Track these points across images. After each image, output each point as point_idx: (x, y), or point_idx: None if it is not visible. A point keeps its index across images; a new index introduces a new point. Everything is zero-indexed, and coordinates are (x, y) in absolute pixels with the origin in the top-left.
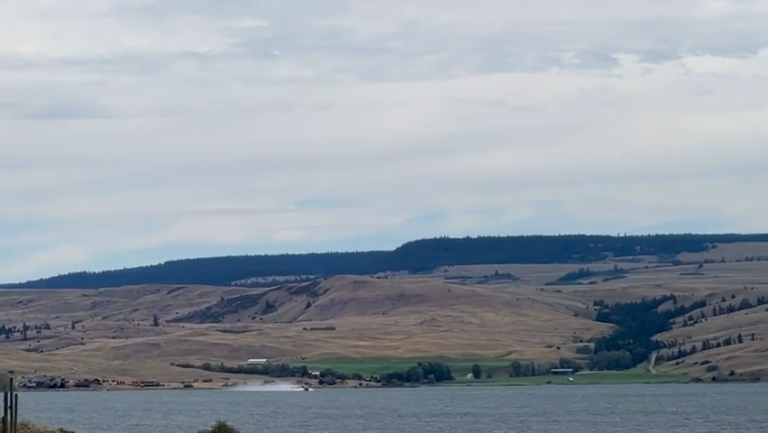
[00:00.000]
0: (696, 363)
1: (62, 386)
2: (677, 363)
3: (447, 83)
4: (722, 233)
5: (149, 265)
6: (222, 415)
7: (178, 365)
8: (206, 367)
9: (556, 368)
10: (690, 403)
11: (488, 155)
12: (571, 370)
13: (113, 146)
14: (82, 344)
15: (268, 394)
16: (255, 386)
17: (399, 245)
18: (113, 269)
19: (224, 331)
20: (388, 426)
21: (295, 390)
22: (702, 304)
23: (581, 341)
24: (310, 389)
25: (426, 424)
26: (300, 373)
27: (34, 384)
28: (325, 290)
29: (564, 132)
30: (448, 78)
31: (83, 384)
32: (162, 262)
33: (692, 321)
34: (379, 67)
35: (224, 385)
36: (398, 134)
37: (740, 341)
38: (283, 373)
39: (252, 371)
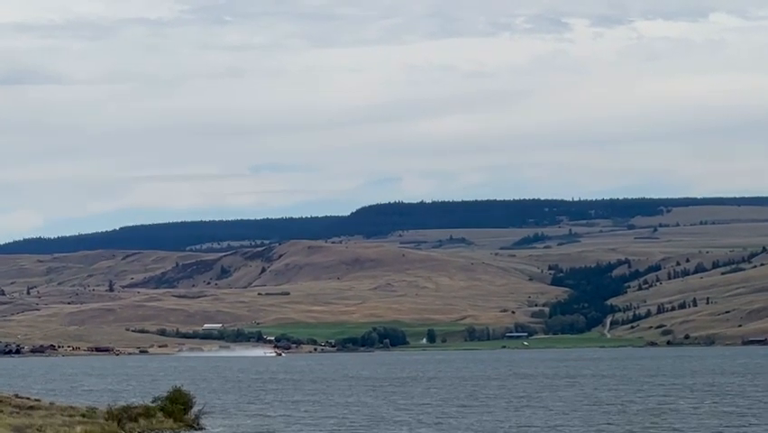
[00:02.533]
0: (651, 327)
1: (17, 352)
2: (632, 327)
3: (399, 48)
4: (676, 197)
5: (104, 231)
6: (177, 380)
7: (133, 331)
8: (162, 333)
9: (511, 333)
10: (639, 366)
11: (441, 120)
12: (525, 334)
13: (66, 112)
14: (37, 310)
15: (240, 360)
16: (227, 352)
17: (354, 210)
18: (68, 235)
19: (180, 297)
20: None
21: (267, 355)
22: (657, 268)
23: (536, 305)
24: (283, 354)
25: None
26: (255, 339)
27: None
28: (280, 256)
29: (517, 97)
30: (400, 43)
31: (38, 350)
32: (117, 228)
33: (647, 285)
34: (331, 32)
35: (191, 349)
36: (351, 100)
37: (695, 305)
38: (238, 338)
39: (208, 336)
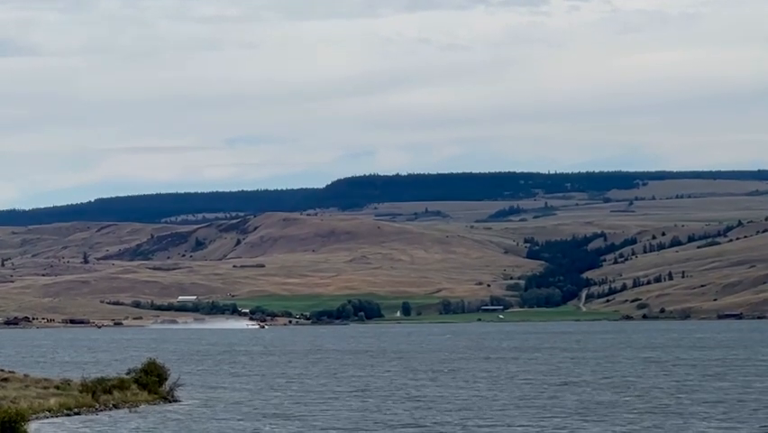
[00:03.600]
0: (626, 300)
1: None
2: (607, 301)
3: (374, 21)
4: (652, 170)
5: (79, 203)
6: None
7: (108, 303)
8: (137, 305)
9: (486, 306)
10: (612, 340)
11: (415, 93)
12: (501, 307)
13: (41, 83)
14: (11, 282)
15: (223, 333)
16: (209, 324)
17: (329, 183)
18: (42, 206)
19: (154, 269)
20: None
21: (250, 327)
22: (633, 241)
23: (512, 278)
24: (266, 326)
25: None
26: (230, 311)
27: None
28: (255, 228)
29: (492, 70)
30: (375, 16)
31: (12, 322)
32: (92, 200)
33: (623, 259)
34: (306, 5)
35: (164, 322)
36: (326, 72)
37: (670, 278)
38: (213, 310)
39: (182, 309)
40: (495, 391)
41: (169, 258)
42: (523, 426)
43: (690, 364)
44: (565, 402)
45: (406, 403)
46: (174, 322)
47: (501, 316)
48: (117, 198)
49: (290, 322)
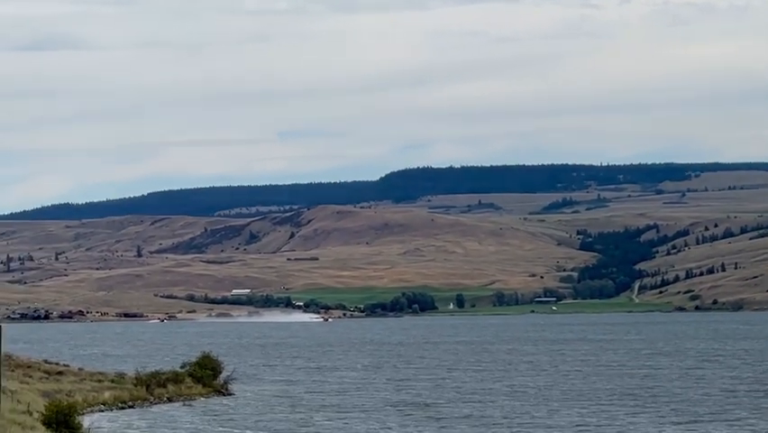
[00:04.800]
0: (679, 291)
1: (46, 318)
2: (660, 292)
3: (424, 13)
4: (704, 161)
5: (132, 196)
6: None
7: (161, 296)
8: (190, 298)
9: (540, 297)
10: (661, 330)
11: (467, 86)
12: (554, 299)
13: (92, 78)
14: (65, 275)
15: (285, 325)
16: (272, 316)
17: (382, 175)
18: (96, 200)
19: (208, 262)
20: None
21: (314, 320)
22: (685, 233)
23: (565, 270)
24: (330, 319)
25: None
26: (284, 304)
27: (18, 316)
28: (309, 221)
29: (544, 62)
30: (425, 8)
31: (67, 316)
32: (146, 194)
33: (675, 250)
34: None
35: (218, 315)
36: (377, 65)
37: (723, 270)
38: (267, 303)
39: (236, 302)
40: None
41: (222, 251)
42: None
43: None
44: None
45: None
46: (228, 315)
47: (554, 307)
48: (170, 191)
49: (344, 315)
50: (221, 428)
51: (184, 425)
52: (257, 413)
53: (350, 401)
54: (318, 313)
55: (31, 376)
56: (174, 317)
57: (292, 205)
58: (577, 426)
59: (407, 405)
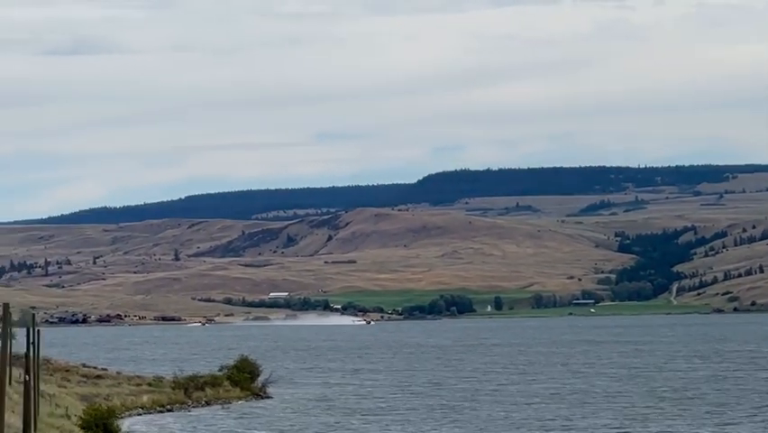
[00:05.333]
0: (717, 293)
1: (84, 321)
2: (698, 294)
3: (459, 16)
4: (742, 163)
5: (169, 200)
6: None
7: (199, 300)
8: (228, 301)
9: (578, 300)
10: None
11: (503, 88)
12: (592, 301)
13: (128, 82)
14: (103, 279)
15: (329, 328)
16: (313, 319)
17: (420, 178)
18: (133, 204)
19: (246, 265)
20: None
21: (356, 323)
22: (723, 234)
23: (603, 272)
24: (372, 322)
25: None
26: (322, 307)
27: (56, 320)
28: (346, 223)
29: (579, 64)
30: (459, 11)
31: (104, 320)
32: (182, 197)
33: (713, 252)
34: (391, 0)
35: (262, 318)
36: (412, 68)
37: (761, 271)
38: (305, 306)
39: (274, 305)
40: None
41: (260, 254)
42: None
43: None
44: None
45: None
46: (265, 319)
47: (593, 310)
48: (207, 194)
49: (382, 318)
50: (257, 432)
51: (221, 428)
52: (294, 416)
53: (387, 404)
54: (357, 316)
55: (69, 380)
56: (212, 320)
57: (329, 208)
58: (611, 428)
59: (444, 408)
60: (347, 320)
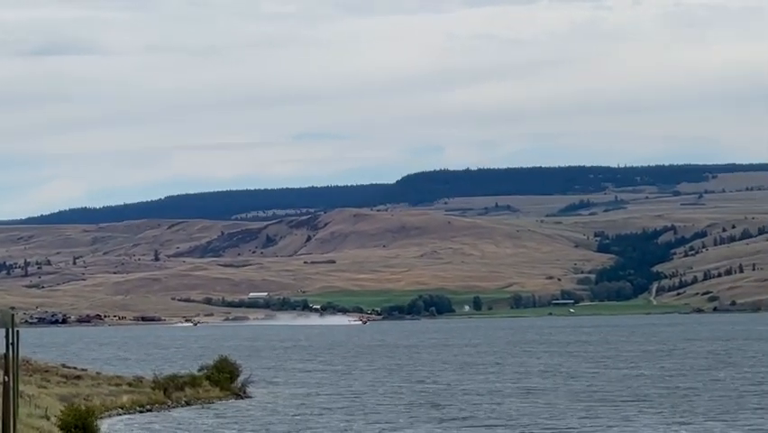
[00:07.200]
0: (697, 293)
1: (64, 322)
2: (678, 294)
3: (439, 16)
4: (721, 163)
5: (149, 201)
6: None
7: (179, 300)
8: (208, 301)
9: (557, 300)
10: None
11: (482, 88)
12: (572, 301)
13: (108, 82)
14: (83, 279)
15: (321, 328)
16: (309, 320)
17: (399, 178)
18: (113, 204)
19: (225, 265)
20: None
21: (352, 323)
22: (703, 234)
23: (582, 272)
24: (368, 322)
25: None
26: (301, 307)
27: (36, 320)
28: (326, 224)
29: (557, 64)
30: (439, 11)
31: (84, 320)
32: (162, 198)
33: (693, 251)
34: (368, 1)
35: (235, 319)
36: (391, 68)
37: (741, 271)
38: (284, 307)
39: (254, 305)
40: None
41: (239, 255)
42: None
43: None
44: None
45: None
46: (245, 318)
47: (572, 310)
48: (187, 195)
49: (361, 318)
50: (235, 432)
51: (200, 428)
52: (270, 416)
53: (364, 403)
54: (353, 316)
55: (48, 381)
56: (191, 321)
57: (308, 208)
58: (583, 427)
59: (417, 406)
60: (344, 320)
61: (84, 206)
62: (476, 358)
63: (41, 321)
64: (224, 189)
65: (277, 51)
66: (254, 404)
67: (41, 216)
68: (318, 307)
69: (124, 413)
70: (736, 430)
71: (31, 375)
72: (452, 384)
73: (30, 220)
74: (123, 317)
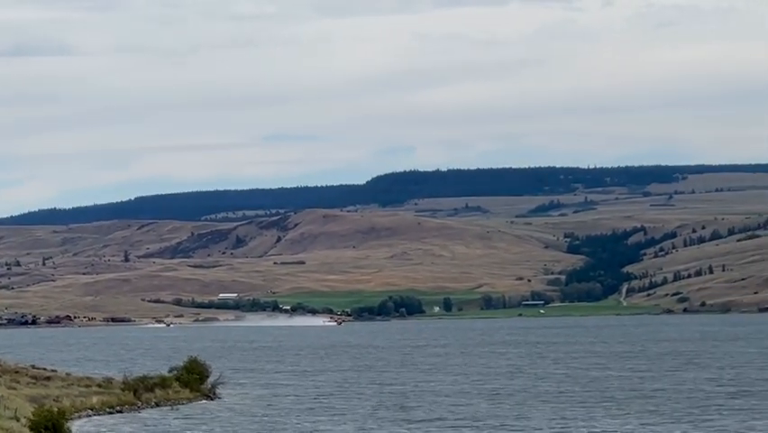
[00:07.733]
0: (667, 294)
1: (33, 323)
2: (648, 295)
3: (409, 17)
4: (691, 164)
5: (118, 201)
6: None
7: (149, 301)
8: (178, 302)
9: (527, 301)
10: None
11: (453, 89)
12: (542, 302)
13: (76, 83)
14: (53, 280)
15: (297, 329)
16: (279, 320)
17: (369, 179)
18: (82, 205)
19: (195, 266)
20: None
21: (327, 324)
22: (673, 235)
23: (552, 273)
24: (343, 324)
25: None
26: (271, 308)
27: (5, 321)
28: (295, 225)
29: (528, 65)
30: (410, 12)
31: (54, 321)
32: (132, 198)
33: (663, 252)
34: (342, 1)
35: (206, 320)
36: (363, 69)
37: (711, 272)
38: (254, 307)
39: (223, 306)
40: None
41: (209, 255)
42: None
43: None
44: None
45: None
46: (215, 319)
47: (542, 311)
48: (157, 196)
49: (331, 319)
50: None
51: (169, 429)
52: (238, 417)
53: (331, 404)
54: (331, 317)
55: (18, 381)
56: (164, 322)
57: (278, 209)
58: (551, 428)
59: (386, 408)
60: (318, 321)
61: (54, 206)
62: (445, 359)
63: (11, 322)
64: (194, 190)
65: (247, 52)
66: (223, 405)
67: (11, 216)
68: (288, 308)
69: (94, 414)
70: (700, 431)
71: (0, 376)
72: (420, 385)
73: None
74: (93, 319)
